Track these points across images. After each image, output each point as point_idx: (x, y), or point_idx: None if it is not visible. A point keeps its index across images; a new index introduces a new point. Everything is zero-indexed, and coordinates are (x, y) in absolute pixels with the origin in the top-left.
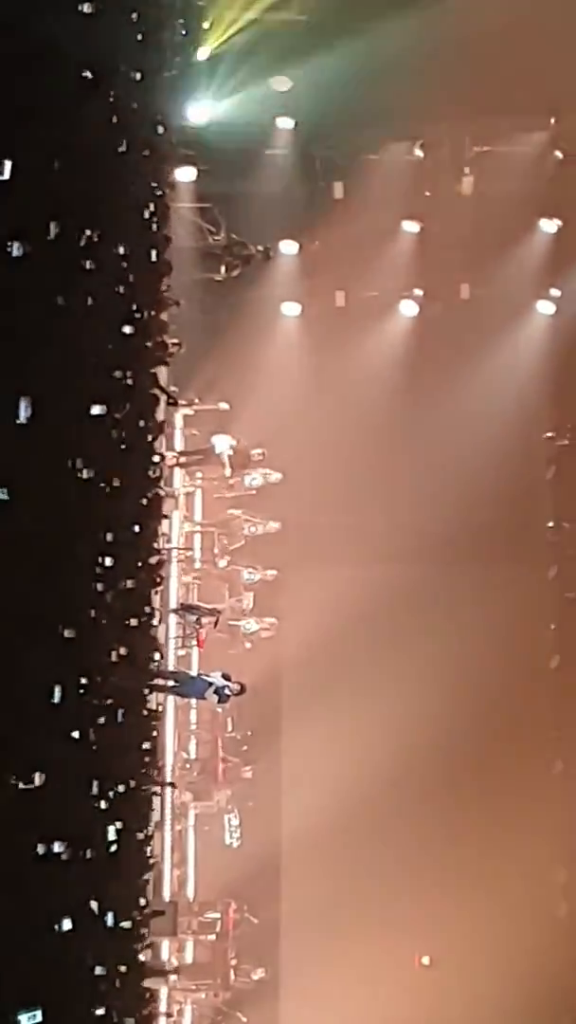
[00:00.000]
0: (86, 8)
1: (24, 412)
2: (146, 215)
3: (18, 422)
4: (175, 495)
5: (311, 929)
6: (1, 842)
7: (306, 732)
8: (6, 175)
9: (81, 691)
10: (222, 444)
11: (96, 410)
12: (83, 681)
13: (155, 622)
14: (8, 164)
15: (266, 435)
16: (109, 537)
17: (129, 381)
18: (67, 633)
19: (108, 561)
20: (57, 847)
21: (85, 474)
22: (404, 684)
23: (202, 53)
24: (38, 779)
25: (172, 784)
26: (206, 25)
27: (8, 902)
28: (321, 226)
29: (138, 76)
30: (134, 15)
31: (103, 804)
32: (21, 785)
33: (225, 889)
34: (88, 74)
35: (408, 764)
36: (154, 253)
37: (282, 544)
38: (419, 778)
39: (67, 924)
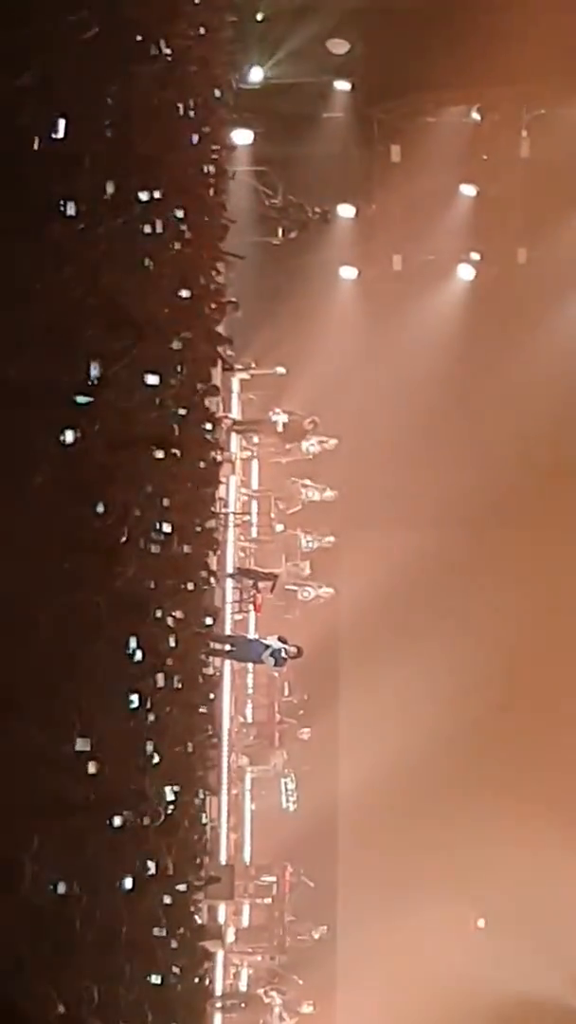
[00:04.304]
0: None
1: (94, 372)
2: (203, 178)
3: (89, 383)
4: (232, 460)
5: (367, 893)
6: (58, 807)
7: (363, 695)
8: (60, 134)
9: (138, 656)
10: (277, 417)
11: (151, 379)
12: (140, 646)
13: (212, 586)
14: (63, 123)
15: (322, 399)
16: (166, 501)
17: (185, 345)
18: (124, 596)
19: (165, 526)
20: (113, 812)
21: (144, 435)
22: (461, 647)
23: (259, 15)
24: (95, 744)
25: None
26: None
27: (66, 867)
28: (378, 189)
29: (195, 38)
30: None
31: (160, 768)
32: (77, 748)
33: (281, 852)
34: (144, 36)
35: (465, 727)
36: (211, 216)
37: (339, 509)
38: (476, 741)
39: (125, 886)
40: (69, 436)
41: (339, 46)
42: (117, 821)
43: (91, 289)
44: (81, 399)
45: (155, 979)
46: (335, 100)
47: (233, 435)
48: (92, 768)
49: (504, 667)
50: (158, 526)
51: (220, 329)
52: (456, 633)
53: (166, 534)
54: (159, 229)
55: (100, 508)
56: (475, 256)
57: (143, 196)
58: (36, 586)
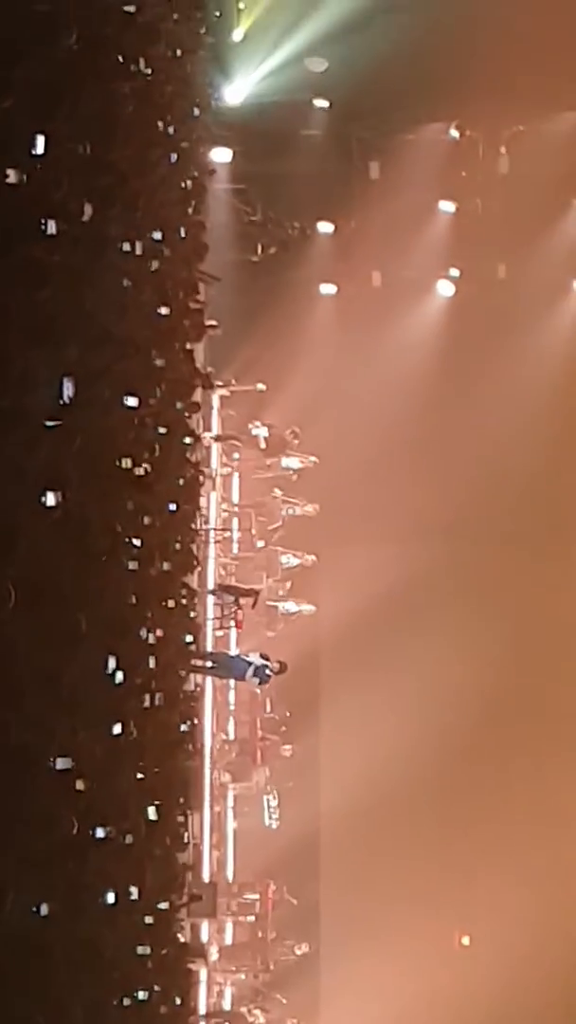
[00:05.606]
0: None
1: (67, 393)
2: (182, 196)
3: (61, 403)
4: (212, 476)
5: (350, 910)
6: (39, 826)
7: (344, 711)
8: (40, 150)
9: (119, 674)
10: (258, 430)
11: (131, 401)
12: (120, 664)
13: (193, 603)
14: (41, 139)
15: (303, 415)
16: (146, 519)
17: (165, 362)
18: (104, 615)
19: (145, 542)
20: (95, 830)
21: (125, 463)
22: (442, 662)
23: (237, 34)
24: (76, 763)
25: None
26: (241, 5)
27: (49, 885)
28: (357, 206)
29: (174, 57)
30: None
31: (142, 786)
32: (59, 767)
33: (264, 870)
34: (122, 55)
35: (447, 742)
36: (190, 234)
37: (319, 524)
38: (459, 757)
39: (108, 904)
40: (48, 454)
41: (317, 64)
42: (99, 838)
43: (70, 308)
44: (50, 424)
45: (139, 997)
46: (314, 118)
47: (214, 451)
48: (74, 786)
49: (487, 682)
50: (138, 543)
51: (200, 347)
52: (438, 648)
53: (147, 551)
54: (138, 248)
55: (81, 527)
56: (454, 273)
57: (122, 215)
58: (15, 605)
